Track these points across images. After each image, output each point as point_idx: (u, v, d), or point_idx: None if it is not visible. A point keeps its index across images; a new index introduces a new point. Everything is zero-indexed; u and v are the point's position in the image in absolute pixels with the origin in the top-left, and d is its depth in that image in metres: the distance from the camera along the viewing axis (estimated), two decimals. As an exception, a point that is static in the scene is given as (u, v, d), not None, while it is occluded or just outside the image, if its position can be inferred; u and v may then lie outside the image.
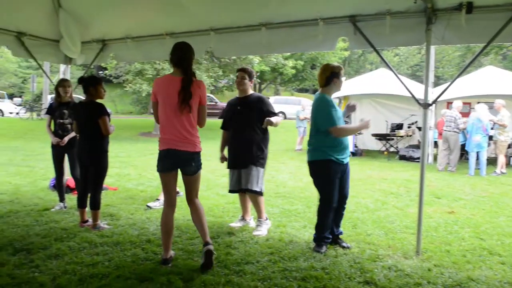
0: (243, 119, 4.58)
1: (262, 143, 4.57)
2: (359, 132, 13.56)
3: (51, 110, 5.44)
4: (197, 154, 3.57)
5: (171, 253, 3.66)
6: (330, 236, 4.14)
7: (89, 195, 4.61)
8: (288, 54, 25.33)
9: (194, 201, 3.65)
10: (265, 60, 22.61)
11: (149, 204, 5.60)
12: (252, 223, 4.85)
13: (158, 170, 3.61)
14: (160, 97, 3.51)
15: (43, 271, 3.37)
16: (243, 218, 4.88)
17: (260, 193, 4.58)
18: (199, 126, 3.62)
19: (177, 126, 3.46)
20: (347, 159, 4.09)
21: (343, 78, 4.16)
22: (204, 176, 7.84)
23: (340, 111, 4.06)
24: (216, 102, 27.54)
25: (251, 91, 4.70)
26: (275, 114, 4.58)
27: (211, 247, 3.54)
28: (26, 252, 3.77)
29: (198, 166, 3.60)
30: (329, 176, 3.99)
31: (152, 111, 3.82)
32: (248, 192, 4.59)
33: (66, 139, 5.26)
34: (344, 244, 4.17)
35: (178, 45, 3.56)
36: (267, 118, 4.44)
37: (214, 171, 8.77)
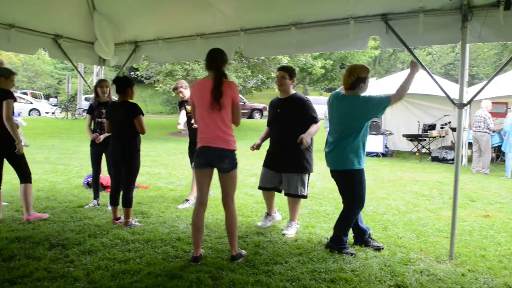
0: (283, 122, 4.52)
1: (303, 148, 4.43)
2: (389, 132, 13.35)
3: (91, 110, 5.61)
4: (231, 152, 3.63)
5: (201, 251, 3.71)
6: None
7: (121, 193, 4.72)
8: (317, 53, 25.17)
9: (228, 206, 3.70)
10: (293, 60, 22.54)
11: (179, 206, 5.67)
12: (277, 216, 4.86)
13: (194, 166, 3.77)
14: (195, 99, 3.68)
15: (78, 266, 3.48)
16: (268, 214, 4.88)
17: (302, 197, 4.57)
18: (234, 125, 3.70)
19: (210, 125, 3.59)
20: None
21: (371, 79, 4.06)
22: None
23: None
24: (244, 102, 27.67)
25: (292, 91, 4.59)
26: (315, 119, 4.47)
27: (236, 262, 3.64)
28: (61, 247, 3.90)
29: (233, 165, 3.65)
30: (364, 183, 4.00)
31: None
32: (291, 197, 4.59)
33: (102, 137, 5.40)
34: (375, 244, 4.13)
35: (209, 51, 3.73)
36: (302, 139, 4.24)
37: (242, 171, 8.81)
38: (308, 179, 4.62)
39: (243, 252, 3.84)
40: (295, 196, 4.55)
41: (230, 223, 3.69)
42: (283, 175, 4.55)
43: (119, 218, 4.77)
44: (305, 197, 4.60)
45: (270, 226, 4.81)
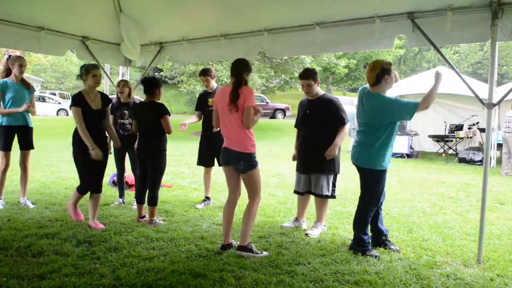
0: (312, 123, 4.53)
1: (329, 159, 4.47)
2: (415, 133, 13.11)
3: (112, 110, 5.67)
4: (247, 155, 3.82)
5: (231, 241, 4.01)
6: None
7: (147, 191, 4.79)
8: (341, 53, 24.94)
9: (252, 201, 3.92)
10: (316, 59, 22.41)
11: (197, 206, 5.71)
12: (304, 225, 4.83)
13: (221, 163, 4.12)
14: (218, 105, 3.97)
15: (103, 262, 3.54)
16: (296, 220, 4.87)
17: (329, 197, 4.59)
18: (245, 127, 3.78)
19: (229, 128, 3.87)
20: None
21: (394, 74, 3.97)
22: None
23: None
24: (267, 102, 27.62)
25: (321, 92, 4.60)
26: (343, 120, 4.45)
27: (237, 253, 3.82)
28: (88, 244, 3.98)
29: (249, 166, 3.84)
30: (381, 184, 3.97)
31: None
32: (317, 196, 4.60)
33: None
34: (392, 247, 4.07)
35: (234, 60, 4.00)
36: (329, 152, 4.39)
37: (265, 171, 8.80)
38: (335, 179, 4.60)
39: (264, 253, 3.87)
40: (320, 196, 4.55)
41: (245, 214, 3.92)
42: (311, 175, 4.57)
43: (144, 216, 4.84)
44: (329, 197, 4.59)
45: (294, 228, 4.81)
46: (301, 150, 4.66)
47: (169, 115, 4.67)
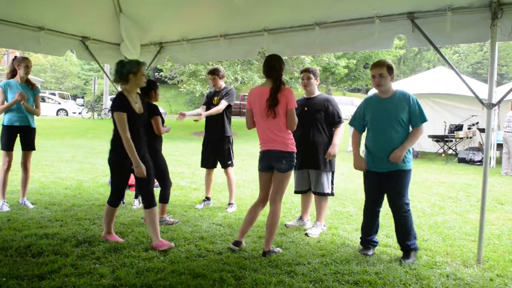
0: (310, 121, 4.60)
1: (329, 146, 4.57)
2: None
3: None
4: (289, 154, 3.82)
5: (243, 241, 4.02)
6: (377, 240, 4.09)
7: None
8: (341, 53, 24.94)
9: (275, 203, 3.90)
10: (316, 59, 22.40)
11: (197, 206, 5.70)
12: (308, 224, 4.86)
13: (258, 169, 4.02)
14: (252, 105, 3.93)
15: (103, 263, 3.54)
16: (301, 218, 4.91)
17: (329, 194, 4.65)
18: (289, 129, 3.84)
19: (267, 131, 3.85)
20: (386, 168, 3.81)
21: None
22: (252, 176, 7.90)
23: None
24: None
25: (318, 92, 4.73)
26: (339, 119, 4.59)
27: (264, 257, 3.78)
28: (88, 244, 3.98)
29: (290, 166, 3.84)
30: (365, 182, 4.07)
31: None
32: (317, 195, 4.64)
33: None
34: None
35: (267, 58, 3.91)
36: (329, 153, 4.49)
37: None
38: (333, 177, 4.67)
39: (277, 249, 3.94)
40: (322, 195, 4.59)
41: (272, 220, 3.88)
42: (310, 172, 4.61)
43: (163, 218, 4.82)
44: (329, 194, 4.65)
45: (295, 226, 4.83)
46: (300, 148, 4.68)
47: (160, 116, 4.69)
